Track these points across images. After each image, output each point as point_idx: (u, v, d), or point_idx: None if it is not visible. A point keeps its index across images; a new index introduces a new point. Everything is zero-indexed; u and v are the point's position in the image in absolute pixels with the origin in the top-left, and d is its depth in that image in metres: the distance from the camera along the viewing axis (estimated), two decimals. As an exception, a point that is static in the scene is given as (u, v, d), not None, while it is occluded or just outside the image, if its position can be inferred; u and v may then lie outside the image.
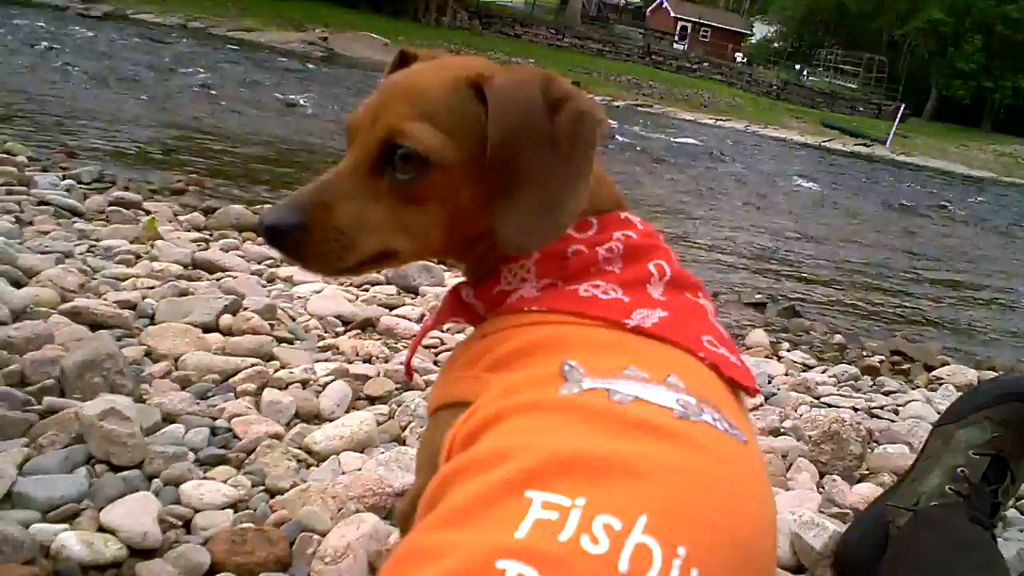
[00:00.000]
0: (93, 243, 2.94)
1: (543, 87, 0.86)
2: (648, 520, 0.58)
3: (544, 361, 0.77)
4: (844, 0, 56.34)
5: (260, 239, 3.55)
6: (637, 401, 0.70)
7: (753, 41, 64.45)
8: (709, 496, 0.64)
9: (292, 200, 0.87)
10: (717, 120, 30.09)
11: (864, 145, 33.50)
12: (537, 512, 0.58)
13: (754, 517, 0.67)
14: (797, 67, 53.51)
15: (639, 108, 27.90)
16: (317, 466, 1.66)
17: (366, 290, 2.97)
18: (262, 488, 1.55)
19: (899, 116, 39.58)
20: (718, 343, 0.84)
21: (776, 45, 65.64)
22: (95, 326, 2.12)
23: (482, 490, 0.62)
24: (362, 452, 1.72)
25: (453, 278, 3.28)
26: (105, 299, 2.33)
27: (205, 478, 1.54)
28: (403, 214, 0.87)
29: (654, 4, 56.60)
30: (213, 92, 10.37)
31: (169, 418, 1.74)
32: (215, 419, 1.76)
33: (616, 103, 26.70)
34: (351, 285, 3.03)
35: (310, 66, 17.93)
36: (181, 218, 3.65)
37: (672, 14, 54.99)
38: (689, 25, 54.62)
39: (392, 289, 3.01)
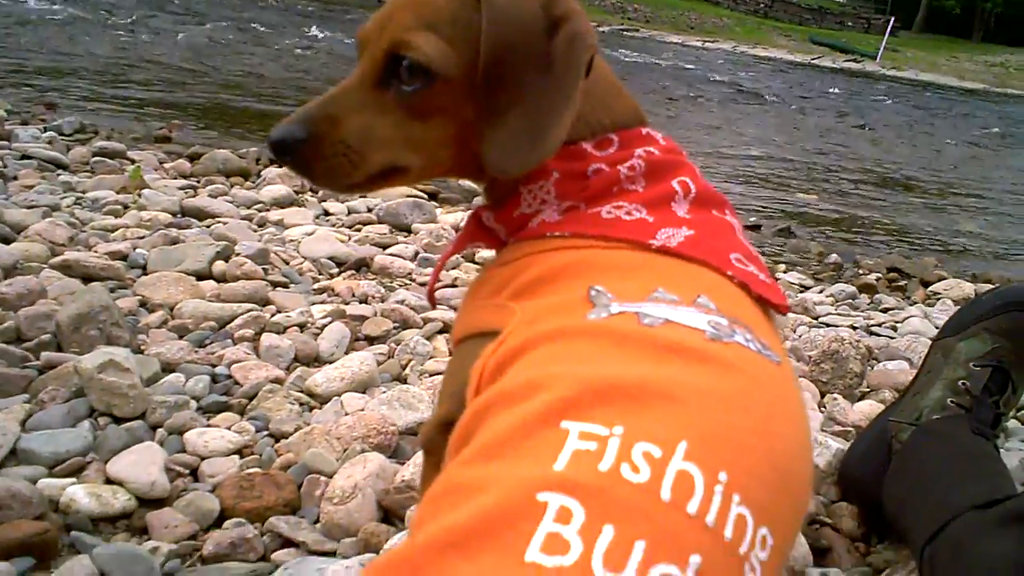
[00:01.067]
0: (80, 195, 2.90)
1: (544, 2, 0.83)
2: (688, 446, 0.57)
3: (570, 287, 0.75)
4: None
5: (248, 182, 3.52)
6: (668, 324, 0.68)
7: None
8: (746, 418, 0.63)
9: (299, 114, 0.85)
10: (704, 42, 29.71)
11: (854, 61, 33.13)
12: (575, 443, 0.57)
13: (790, 438, 0.67)
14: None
15: (625, 33, 27.49)
16: (320, 408, 1.66)
17: (358, 230, 2.95)
18: (266, 433, 1.55)
19: (889, 30, 39.09)
20: (747, 260, 0.81)
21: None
22: (87, 279, 2.10)
23: (517, 423, 0.61)
24: (364, 392, 1.73)
25: (445, 214, 3.26)
26: (95, 251, 2.31)
27: (209, 426, 1.54)
28: (410, 128, 0.85)
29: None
30: (187, 35, 10.17)
31: (168, 367, 1.73)
32: (214, 366, 1.76)
33: (602, 28, 26.28)
34: (343, 226, 3.00)
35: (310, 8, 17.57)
36: (167, 166, 3.60)
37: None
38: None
39: (384, 228, 2.98)
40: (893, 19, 41.52)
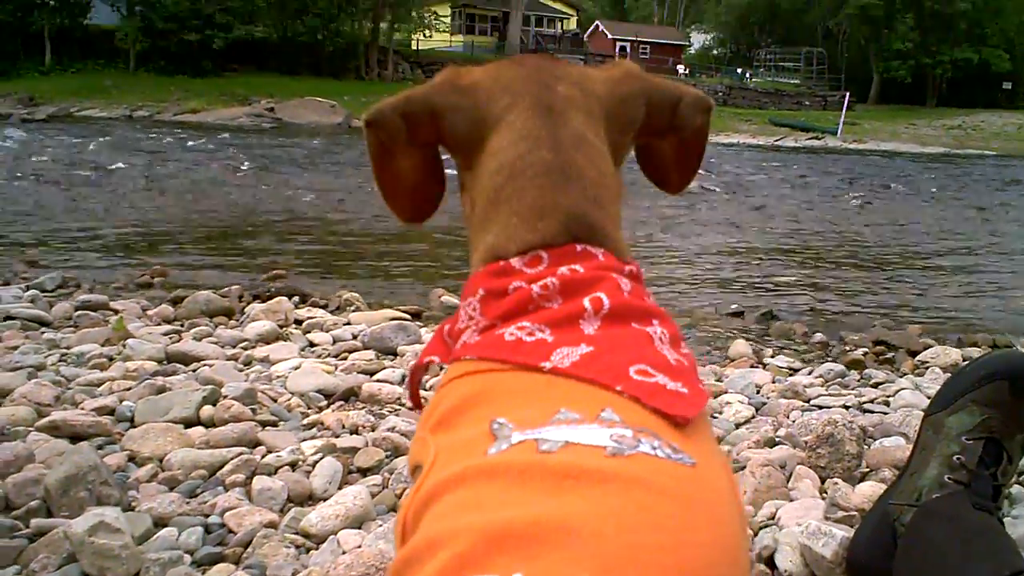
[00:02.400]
0: (64, 351, 2.91)
1: None
2: None
3: (476, 419, 0.74)
4: (775, -1, 57.46)
5: (232, 321, 3.54)
6: (567, 446, 0.67)
7: (692, 51, 65.32)
8: (653, 535, 0.61)
9: None
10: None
11: (816, 138, 33.97)
12: None
13: (709, 544, 0.65)
14: (739, 71, 54.25)
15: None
16: (316, 549, 1.63)
17: (344, 358, 2.95)
18: (263, 581, 1.52)
19: (845, 105, 40.18)
20: (656, 370, 0.78)
21: (715, 52, 66.51)
22: (75, 437, 2.09)
23: None
24: (360, 528, 1.70)
25: (429, 333, 3.27)
26: (82, 408, 2.30)
27: (204, 580, 1.51)
28: None
29: (590, 29, 57.35)
30: (153, 182, 10.35)
31: (161, 522, 1.70)
32: (207, 516, 1.73)
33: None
34: (329, 355, 3.01)
35: (253, 139, 17.94)
36: (150, 312, 3.62)
37: (610, 36, 55.70)
38: (627, 44, 55.29)
39: (370, 354, 2.99)
40: (848, 94, 42.71)
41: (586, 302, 0.82)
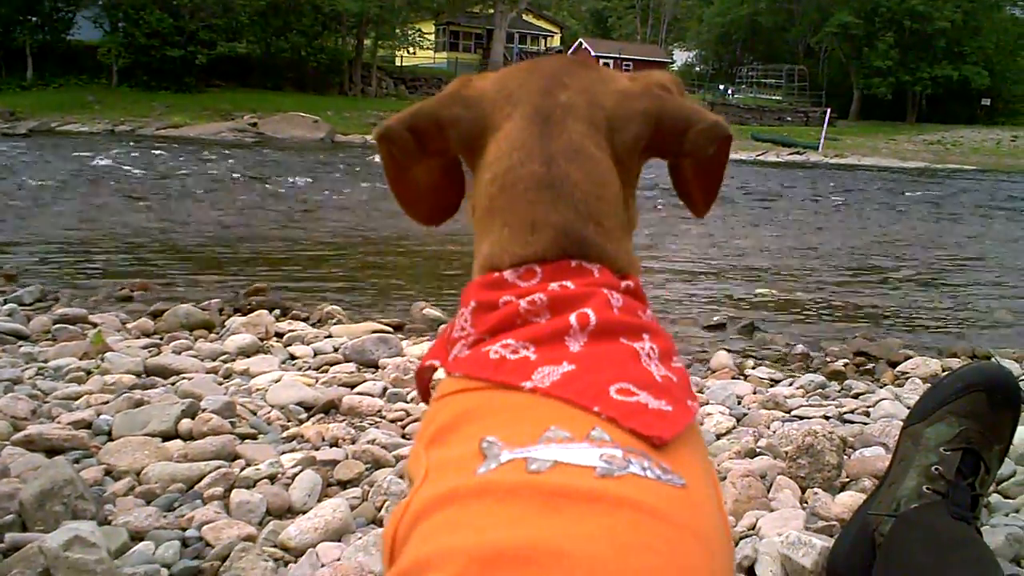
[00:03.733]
0: (42, 365, 2.88)
1: None
2: None
3: (466, 437, 0.73)
4: (757, 17, 57.87)
5: (212, 334, 3.52)
6: (556, 466, 0.66)
7: (675, 68, 65.75)
8: (645, 557, 0.61)
9: None
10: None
11: (798, 154, 34.20)
12: None
13: (700, 568, 0.64)
14: (721, 87, 54.67)
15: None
16: (295, 562, 1.62)
17: (325, 371, 2.94)
18: (241, 595, 1.50)
19: (826, 121, 40.52)
20: (639, 388, 0.77)
21: (698, 69, 67.01)
22: (51, 451, 2.06)
23: None
24: (339, 540, 1.69)
25: (412, 346, 3.26)
26: (59, 422, 2.28)
27: (181, 594, 1.49)
28: None
29: (574, 47, 57.64)
30: (134, 195, 10.31)
31: (137, 536, 1.68)
32: (185, 530, 1.71)
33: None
34: (310, 368, 2.99)
35: (233, 153, 17.91)
36: (129, 325, 3.60)
37: (593, 54, 55.94)
38: (611, 62, 55.58)
39: (351, 367, 2.98)
40: (829, 110, 43.07)
41: (572, 318, 0.81)
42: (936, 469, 1.42)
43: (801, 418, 2.59)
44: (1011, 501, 1.93)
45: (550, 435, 0.70)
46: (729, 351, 3.66)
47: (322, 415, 2.48)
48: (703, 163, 0.93)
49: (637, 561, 0.60)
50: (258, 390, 2.65)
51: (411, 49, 43.67)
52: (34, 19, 34.01)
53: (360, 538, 1.66)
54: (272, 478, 1.97)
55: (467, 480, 0.68)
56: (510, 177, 0.87)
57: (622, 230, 0.89)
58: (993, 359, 3.52)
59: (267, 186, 12.05)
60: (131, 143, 19.22)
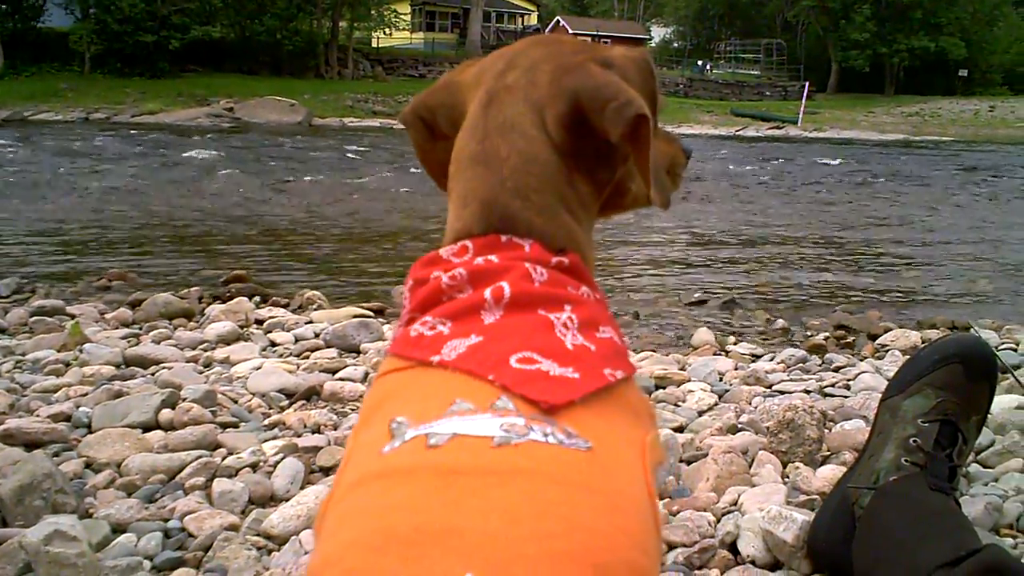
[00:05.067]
0: (19, 358, 2.85)
1: None
2: None
3: (381, 418, 0.75)
4: (733, -8, 57.88)
5: (192, 322, 3.50)
6: (454, 439, 0.68)
7: (653, 45, 65.59)
8: (540, 523, 0.62)
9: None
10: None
11: (777, 128, 34.28)
12: None
13: (605, 527, 0.65)
14: (700, 63, 54.56)
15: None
16: (278, 550, 1.61)
17: (306, 357, 2.93)
18: (225, 584, 1.50)
19: (805, 95, 40.59)
20: (543, 356, 0.77)
21: (676, 45, 66.85)
22: (30, 445, 2.05)
23: None
24: (323, 527, 1.68)
25: (392, 330, 3.25)
26: (38, 415, 2.26)
27: (164, 585, 1.49)
28: None
29: (551, 25, 57.39)
30: (111, 184, 10.22)
31: (119, 528, 1.68)
32: (167, 520, 1.71)
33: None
34: (291, 355, 2.98)
35: (212, 139, 17.77)
36: (108, 316, 3.57)
37: (570, 31, 55.76)
38: (588, 39, 55.28)
39: (332, 352, 2.97)
40: (808, 84, 43.13)
41: (487, 292, 0.82)
42: (914, 441, 1.43)
43: (782, 393, 2.61)
44: (990, 470, 1.95)
45: (455, 408, 0.71)
46: (710, 327, 3.68)
47: (304, 401, 2.47)
48: (633, 146, 0.88)
49: (533, 528, 0.61)
50: (239, 378, 2.64)
51: (387, 30, 43.33)
52: (4, 6, 33.49)
53: (343, 524, 1.66)
54: (254, 466, 1.96)
55: (372, 464, 0.70)
56: (457, 156, 0.90)
57: (561, 206, 0.88)
58: (972, 330, 3.55)
59: (244, 173, 11.96)
60: (106, 131, 19.04)
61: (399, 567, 0.59)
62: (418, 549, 0.60)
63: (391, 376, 0.82)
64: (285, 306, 3.87)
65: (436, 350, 0.79)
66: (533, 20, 58.63)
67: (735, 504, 1.73)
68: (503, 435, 0.67)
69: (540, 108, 0.88)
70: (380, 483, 0.68)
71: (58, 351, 2.90)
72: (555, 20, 57.88)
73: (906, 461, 1.41)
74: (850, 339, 3.59)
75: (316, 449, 2.05)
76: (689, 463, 1.98)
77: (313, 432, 2.20)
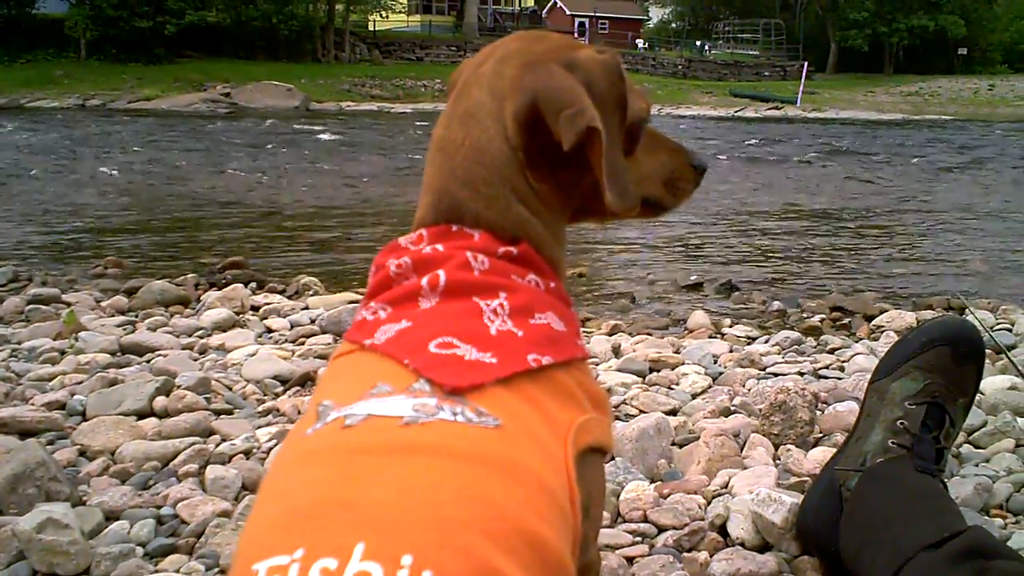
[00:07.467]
0: (15, 346, 2.86)
1: None
2: (366, 546, 0.60)
3: (314, 402, 0.79)
4: (732, -29, 57.57)
5: (188, 310, 3.50)
6: (368, 419, 0.72)
7: (651, 25, 65.34)
8: (433, 493, 0.65)
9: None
10: (630, 108, 30.39)
11: (776, 108, 34.20)
12: None
13: (503, 497, 0.67)
14: (698, 43, 54.35)
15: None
16: (271, 536, 1.62)
17: (302, 344, 2.93)
18: (217, 570, 1.51)
19: (804, 75, 40.45)
20: (463, 342, 0.79)
21: (674, 25, 66.59)
22: (25, 433, 2.05)
23: None
24: (315, 513, 1.69)
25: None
26: (33, 404, 2.27)
27: (156, 571, 1.50)
28: None
29: (549, 6, 57.12)
30: (113, 172, 10.20)
31: (112, 516, 1.69)
32: (160, 508, 1.71)
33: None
34: (286, 341, 2.99)
35: (209, 125, 17.72)
36: (104, 304, 3.57)
37: (568, 12, 55.49)
38: (586, 20, 55.13)
39: (328, 338, 2.97)
40: (807, 64, 42.97)
41: (424, 280, 0.84)
42: (901, 423, 1.43)
43: (776, 375, 2.61)
44: (981, 451, 1.96)
45: (374, 391, 0.75)
46: (706, 310, 3.68)
47: (298, 388, 2.47)
48: (589, 155, 0.87)
49: (421, 497, 0.65)
50: (233, 365, 2.65)
51: (384, 13, 43.12)
52: (-3, -7, 33.36)
53: (335, 510, 1.66)
54: (248, 453, 1.97)
55: (298, 445, 0.75)
56: (431, 143, 0.93)
57: (513, 197, 0.88)
58: (968, 310, 3.55)
59: (241, 158, 11.93)
60: (102, 118, 19.00)
61: (299, 540, 0.62)
62: (316, 522, 0.64)
63: (338, 360, 0.86)
64: (281, 292, 3.88)
65: (371, 334, 0.83)
66: (531, 1, 58.32)
67: (726, 487, 1.74)
68: (412, 415, 0.71)
69: (501, 99, 0.89)
70: (299, 463, 0.72)
71: (54, 339, 2.90)
72: (553, 1, 57.59)
73: (893, 443, 1.41)
74: (846, 320, 3.59)
75: (309, 435, 2.05)
76: (682, 446, 1.98)
77: (307, 418, 2.20)
